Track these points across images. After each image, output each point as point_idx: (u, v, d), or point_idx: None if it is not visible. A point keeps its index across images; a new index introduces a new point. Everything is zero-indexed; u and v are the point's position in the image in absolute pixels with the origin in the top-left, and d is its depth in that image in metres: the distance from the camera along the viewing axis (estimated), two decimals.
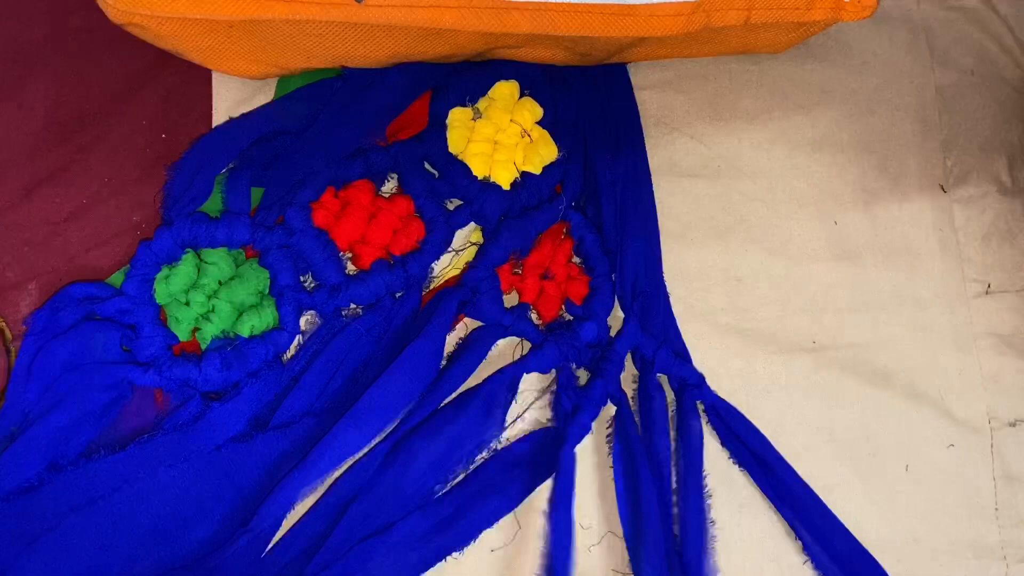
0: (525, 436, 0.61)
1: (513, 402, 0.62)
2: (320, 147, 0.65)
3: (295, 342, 0.61)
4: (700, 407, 0.63)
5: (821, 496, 0.61)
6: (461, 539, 0.57)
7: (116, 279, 0.61)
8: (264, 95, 0.67)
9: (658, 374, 0.63)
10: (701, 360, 0.64)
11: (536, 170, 0.67)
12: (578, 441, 0.59)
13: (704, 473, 0.60)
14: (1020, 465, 0.65)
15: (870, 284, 0.68)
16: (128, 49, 0.66)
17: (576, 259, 0.67)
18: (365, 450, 0.58)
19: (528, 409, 0.62)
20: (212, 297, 0.60)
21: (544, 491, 0.59)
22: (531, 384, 0.63)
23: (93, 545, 0.54)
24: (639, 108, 0.71)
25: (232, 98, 0.67)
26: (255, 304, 0.61)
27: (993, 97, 0.75)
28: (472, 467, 0.60)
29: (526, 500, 0.59)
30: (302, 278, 0.62)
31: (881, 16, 0.75)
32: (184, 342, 0.60)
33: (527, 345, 0.63)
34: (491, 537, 0.58)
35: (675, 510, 0.59)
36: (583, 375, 0.63)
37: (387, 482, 0.57)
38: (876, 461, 0.64)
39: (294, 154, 0.65)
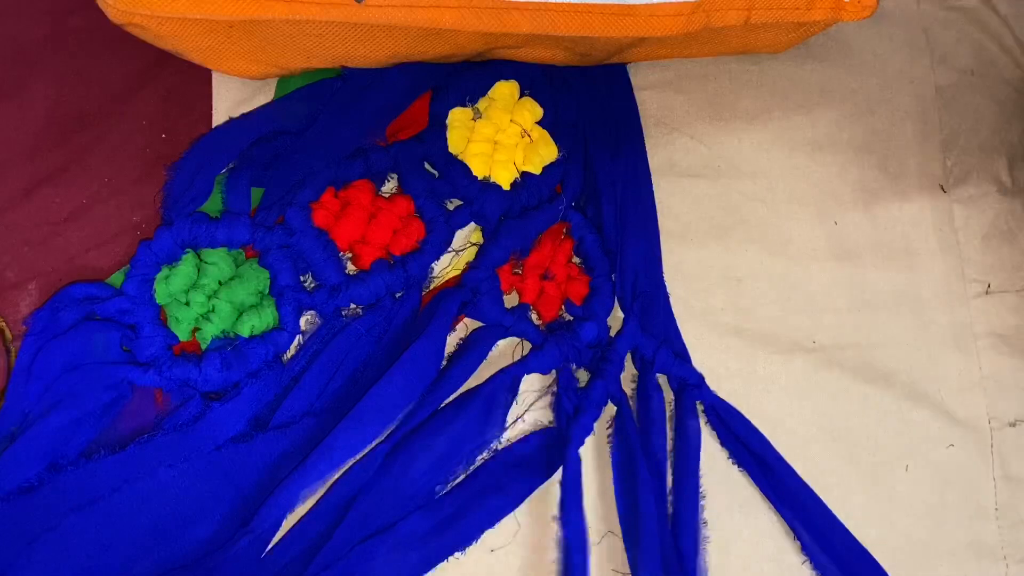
0: (526, 436, 0.61)
1: (514, 403, 0.62)
2: (320, 147, 0.65)
3: (295, 342, 0.61)
4: (700, 407, 0.63)
5: (821, 496, 0.61)
6: (462, 539, 0.57)
7: (116, 279, 0.61)
8: (264, 95, 0.67)
9: (658, 374, 0.63)
10: (701, 360, 0.64)
11: (536, 170, 0.67)
12: (581, 443, 0.59)
13: (700, 473, 0.60)
14: (1020, 465, 0.65)
15: (870, 284, 0.68)
16: (128, 49, 0.66)
17: (576, 259, 0.67)
18: (365, 451, 0.58)
19: (528, 410, 0.62)
20: (212, 297, 0.60)
21: (544, 491, 0.60)
22: (531, 385, 0.63)
23: (93, 545, 0.54)
24: (639, 108, 0.71)
25: (232, 98, 0.67)
26: (255, 304, 0.61)
27: (993, 97, 0.75)
28: (473, 467, 0.60)
29: (527, 500, 0.59)
30: (302, 278, 0.62)
31: (881, 16, 0.75)
32: (184, 342, 0.60)
33: (527, 345, 0.63)
34: (491, 537, 0.58)
35: (670, 510, 0.59)
36: (583, 375, 0.63)
37: (387, 482, 0.57)
38: (876, 461, 0.64)
39: (294, 154, 0.65)
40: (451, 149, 0.67)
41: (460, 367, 0.60)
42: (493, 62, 0.68)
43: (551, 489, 0.60)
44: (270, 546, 0.56)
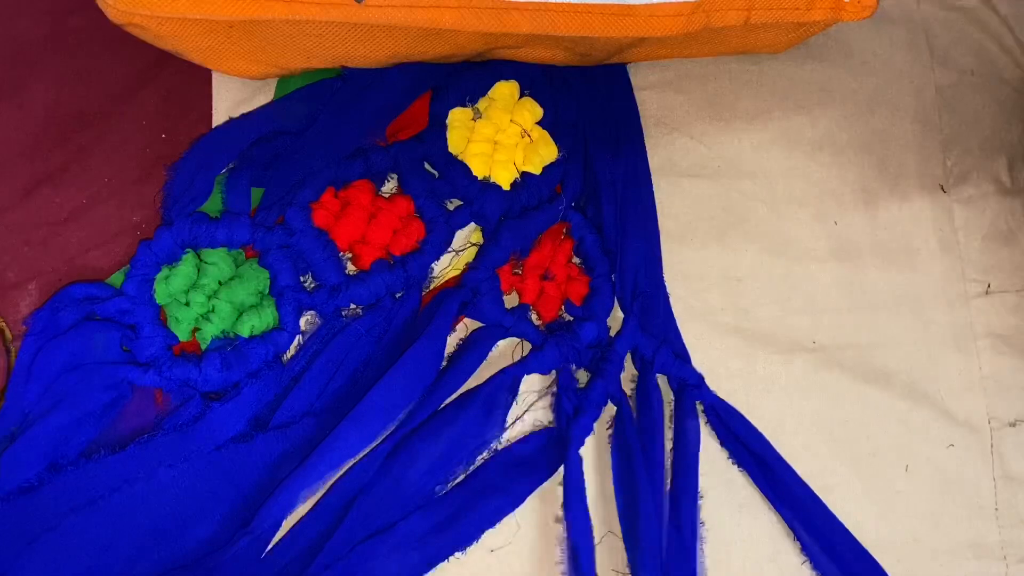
0: (526, 436, 0.61)
1: (514, 403, 0.62)
2: (320, 147, 0.65)
3: (295, 342, 0.61)
4: (699, 407, 0.63)
5: (821, 496, 0.61)
6: (463, 539, 0.57)
7: (116, 279, 0.61)
8: (264, 95, 0.67)
9: (657, 374, 0.63)
10: (701, 360, 0.64)
11: (536, 170, 0.67)
12: (581, 443, 0.60)
13: (699, 473, 0.60)
14: (1020, 465, 0.65)
15: (870, 284, 0.68)
16: (128, 49, 0.66)
17: (576, 259, 0.67)
18: (366, 451, 0.58)
19: (528, 410, 0.62)
20: (212, 297, 0.60)
21: (544, 491, 0.60)
22: (531, 385, 0.63)
23: (93, 545, 0.54)
24: (639, 108, 0.71)
25: (232, 98, 0.67)
26: (255, 304, 0.61)
27: (993, 97, 0.75)
28: (473, 467, 0.60)
29: (527, 500, 0.59)
30: (302, 278, 0.62)
31: (881, 16, 0.75)
32: (184, 342, 0.60)
33: (527, 346, 0.63)
34: (491, 537, 0.58)
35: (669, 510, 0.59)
36: (583, 376, 0.63)
37: (388, 483, 0.57)
38: (876, 461, 0.64)
39: (294, 154, 0.65)
40: (451, 149, 0.67)
41: (460, 367, 0.60)
42: (493, 62, 0.68)
43: (551, 489, 0.60)
44: (270, 546, 0.56)
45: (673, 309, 0.65)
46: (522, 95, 0.69)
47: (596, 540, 0.59)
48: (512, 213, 0.66)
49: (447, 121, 0.67)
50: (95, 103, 0.66)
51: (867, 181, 0.71)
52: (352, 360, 0.60)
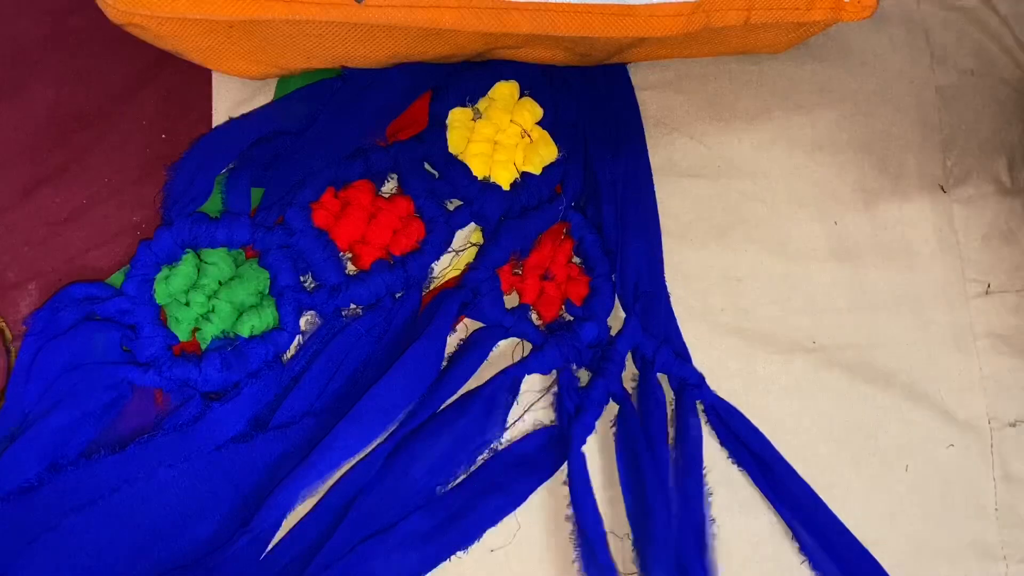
0: (526, 436, 0.61)
1: (514, 403, 0.62)
2: (320, 147, 0.65)
3: (295, 342, 0.61)
4: (699, 407, 0.63)
5: (821, 496, 0.61)
6: (463, 539, 0.57)
7: (116, 279, 0.61)
8: (264, 95, 0.67)
9: (658, 374, 0.63)
10: (701, 360, 0.64)
11: (536, 170, 0.67)
12: (583, 441, 0.60)
13: (704, 470, 0.60)
14: (1020, 465, 0.65)
15: (870, 284, 0.68)
16: (128, 49, 0.66)
17: (576, 259, 0.67)
18: (366, 451, 0.58)
19: (529, 410, 0.62)
20: (212, 297, 0.60)
21: (544, 491, 0.60)
22: (532, 385, 0.63)
23: (93, 545, 0.54)
24: (639, 108, 0.71)
25: (232, 98, 0.67)
26: (255, 304, 0.61)
27: (993, 97, 0.75)
28: (473, 467, 0.60)
29: (527, 500, 0.59)
30: (302, 278, 0.62)
31: (881, 16, 0.75)
32: (184, 342, 0.60)
33: (527, 346, 0.63)
34: (491, 537, 0.58)
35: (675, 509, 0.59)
36: (584, 375, 0.63)
37: (388, 483, 0.57)
38: (876, 461, 0.64)
39: (294, 154, 0.65)
40: (451, 149, 0.67)
41: (460, 368, 0.60)
42: (493, 62, 0.68)
43: (551, 489, 0.60)
44: (270, 546, 0.56)
45: (673, 309, 0.65)
46: (522, 95, 0.69)
47: None
48: (512, 213, 0.66)
49: (447, 121, 0.67)
50: (95, 103, 0.66)
51: (867, 181, 0.71)
52: (352, 360, 0.60)
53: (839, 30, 0.74)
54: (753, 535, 0.61)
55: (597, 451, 0.61)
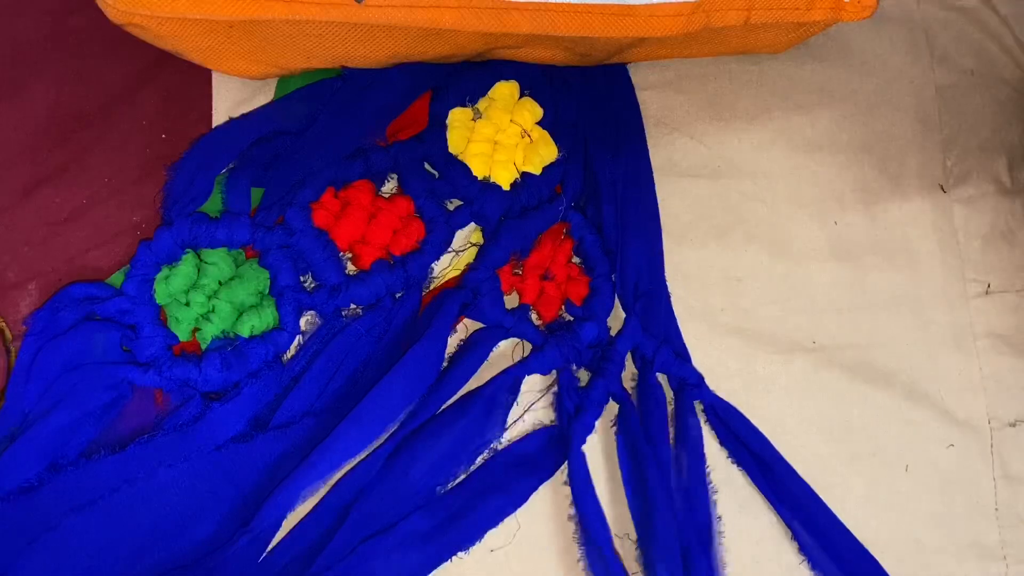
0: (526, 436, 0.61)
1: (514, 403, 0.62)
2: (320, 147, 0.65)
3: (295, 342, 0.61)
4: (699, 407, 0.63)
5: (821, 496, 0.61)
6: (464, 539, 0.57)
7: (116, 279, 0.61)
8: (264, 95, 0.67)
9: (658, 373, 0.63)
10: (701, 360, 0.64)
11: (536, 170, 0.67)
12: (583, 441, 0.60)
13: (707, 469, 0.60)
14: (1020, 465, 0.65)
15: (870, 284, 0.68)
16: (128, 49, 0.66)
17: (576, 259, 0.67)
18: (366, 451, 0.58)
19: (529, 410, 0.62)
20: (212, 297, 0.60)
21: (544, 491, 0.60)
22: (532, 385, 0.63)
23: (93, 545, 0.54)
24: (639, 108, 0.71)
25: (232, 98, 0.67)
26: (255, 304, 0.61)
27: (993, 97, 0.75)
28: (474, 467, 0.60)
29: (528, 500, 0.59)
30: (302, 278, 0.62)
31: (881, 16, 0.75)
32: (184, 342, 0.60)
33: (527, 346, 0.63)
34: (491, 537, 0.58)
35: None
36: (584, 375, 0.63)
37: (389, 483, 0.57)
38: (876, 461, 0.64)
39: (294, 154, 0.65)
40: (451, 149, 0.67)
41: (461, 368, 0.60)
42: (493, 62, 0.68)
43: (552, 489, 0.60)
44: (271, 546, 0.56)
45: (673, 309, 0.65)
46: (522, 95, 0.69)
47: None
48: (512, 213, 0.66)
49: (447, 121, 0.67)
50: (95, 103, 0.66)
51: (867, 181, 0.71)
52: (352, 360, 0.60)
53: (839, 30, 0.74)
54: (753, 535, 0.61)
55: (597, 451, 0.61)
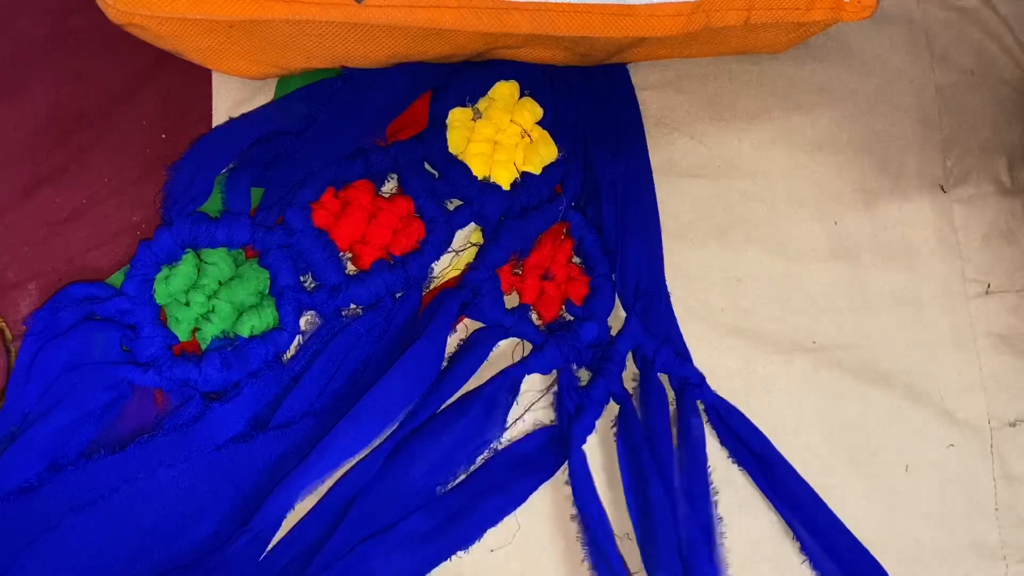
0: (526, 435, 0.61)
1: (514, 403, 0.62)
2: (320, 147, 0.65)
3: (295, 342, 0.61)
4: (700, 406, 0.63)
5: (821, 496, 0.61)
6: (464, 539, 0.57)
7: (116, 279, 0.61)
8: (264, 95, 0.67)
9: (659, 373, 0.63)
10: (701, 360, 0.64)
11: (536, 170, 0.67)
12: (583, 441, 0.60)
13: (709, 469, 0.60)
14: (1020, 465, 0.65)
15: (870, 284, 0.68)
16: (128, 49, 0.66)
17: (576, 259, 0.67)
18: (366, 451, 0.58)
19: (529, 410, 0.62)
20: (212, 297, 0.60)
21: (545, 491, 0.60)
22: (532, 384, 0.63)
23: (93, 545, 0.54)
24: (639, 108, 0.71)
25: (232, 98, 0.67)
26: (255, 304, 0.61)
27: (993, 97, 0.75)
28: (473, 467, 0.60)
29: (527, 500, 0.59)
30: (302, 278, 0.62)
31: (881, 16, 0.75)
32: (184, 342, 0.60)
33: (528, 346, 0.63)
34: (491, 537, 0.58)
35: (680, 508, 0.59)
36: (584, 375, 0.63)
37: (388, 483, 0.57)
38: (876, 461, 0.64)
39: (294, 154, 0.65)
40: (451, 149, 0.67)
41: (461, 368, 0.60)
42: (493, 62, 0.68)
43: (552, 489, 0.60)
44: (271, 546, 0.56)
45: (673, 309, 0.65)
46: (522, 95, 0.69)
47: None
48: (512, 213, 0.66)
49: (447, 121, 0.67)
50: (95, 103, 0.66)
51: (867, 181, 0.71)
52: (352, 360, 0.60)
53: (839, 30, 0.74)
54: (753, 535, 0.61)
55: (598, 452, 0.61)
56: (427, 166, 0.67)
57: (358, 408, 0.57)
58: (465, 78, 0.68)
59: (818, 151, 0.72)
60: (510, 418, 0.61)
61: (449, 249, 0.65)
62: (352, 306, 0.63)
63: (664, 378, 0.63)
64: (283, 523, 0.57)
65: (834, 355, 0.66)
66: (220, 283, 0.61)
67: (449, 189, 0.66)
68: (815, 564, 0.60)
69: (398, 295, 0.63)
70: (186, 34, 0.59)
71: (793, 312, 0.67)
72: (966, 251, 0.70)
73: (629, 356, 0.64)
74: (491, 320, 0.63)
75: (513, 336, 0.63)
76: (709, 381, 0.63)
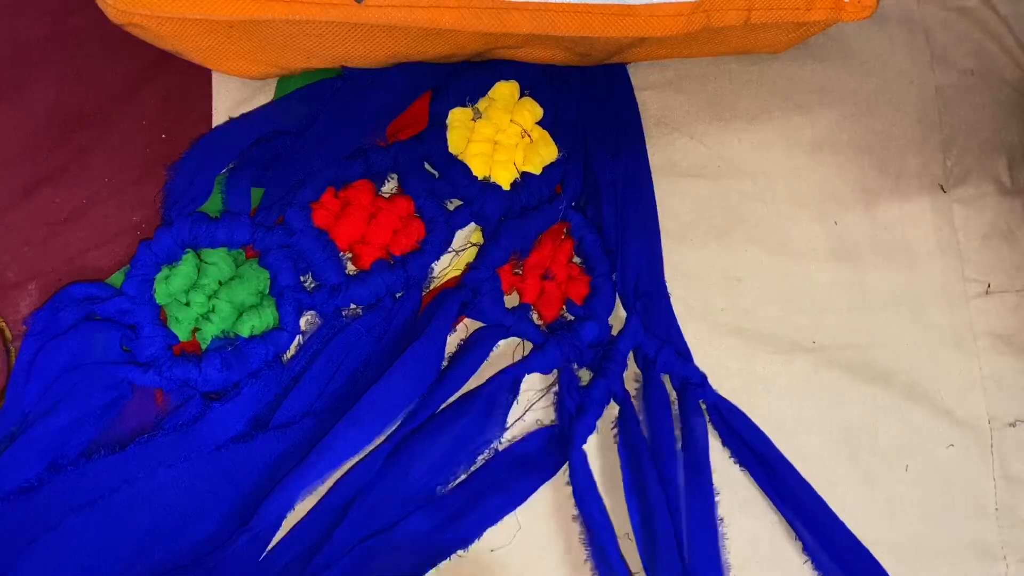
0: (527, 435, 0.61)
1: (514, 403, 0.62)
2: (320, 147, 0.65)
3: (295, 342, 0.61)
4: (702, 406, 0.63)
5: (821, 495, 0.61)
6: (464, 538, 0.57)
7: (116, 279, 0.61)
8: (264, 95, 0.67)
9: (660, 373, 0.63)
10: (701, 360, 0.64)
11: (536, 170, 0.67)
12: (584, 440, 0.60)
13: (711, 469, 0.60)
14: (1020, 465, 0.65)
15: (870, 284, 0.68)
16: (128, 49, 0.66)
17: (576, 259, 0.67)
18: (366, 451, 0.58)
19: (529, 409, 0.62)
20: (212, 297, 0.60)
21: (545, 491, 0.60)
22: (532, 384, 0.63)
23: (93, 545, 0.54)
24: (639, 108, 0.71)
25: (232, 98, 0.67)
26: (255, 304, 0.61)
27: (993, 97, 0.75)
28: (474, 467, 0.60)
29: (528, 500, 0.59)
30: (302, 278, 0.62)
31: (881, 16, 0.75)
32: (184, 342, 0.60)
33: (528, 345, 0.63)
34: (492, 537, 0.58)
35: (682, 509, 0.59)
36: (585, 375, 0.63)
37: (388, 483, 0.57)
38: (876, 461, 0.64)
39: (294, 154, 0.65)
40: (451, 149, 0.67)
41: (461, 368, 0.60)
42: (493, 62, 0.68)
43: (553, 489, 0.60)
44: (271, 546, 0.56)
45: (673, 309, 0.65)
46: (522, 95, 0.69)
47: None
48: (512, 213, 0.66)
49: (447, 121, 0.67)
50: (95, 103, 0.66)
51: (867, 181, 0.71)
52: (352, 360, 0.60)
53: (839, 30, 0.74)
54: (754, 535, 0.61)
55: (598, 452, 0.61)
56: (427, 166, 0.67)
57: (358, 408, 0.57)
58: (465, 78, 0.68)
59: (818, 151, 0.72)
60: (510, 418, 0.61)
61: (449, 249, 0.65)
62: (352, 306, 0.63)
63: (665, 378, 0.63)
64: (283, 523, 0.57)
65: (834, 355, 0.66)
66: (220, 283, 0.61)
67: (449, 189, 0.66)
68: (816, 564, 0.60)
69: (398, 295, 0.63)
70: (186, 34, 0.59)
71: (793, 312, 0.67)
72: (966, 251, 0.70)
73: (630, 356, 0.64)
74: (491, 320, 0.63)
75: (513, 336, 0.63)
76: (709, 381, 0.63)
